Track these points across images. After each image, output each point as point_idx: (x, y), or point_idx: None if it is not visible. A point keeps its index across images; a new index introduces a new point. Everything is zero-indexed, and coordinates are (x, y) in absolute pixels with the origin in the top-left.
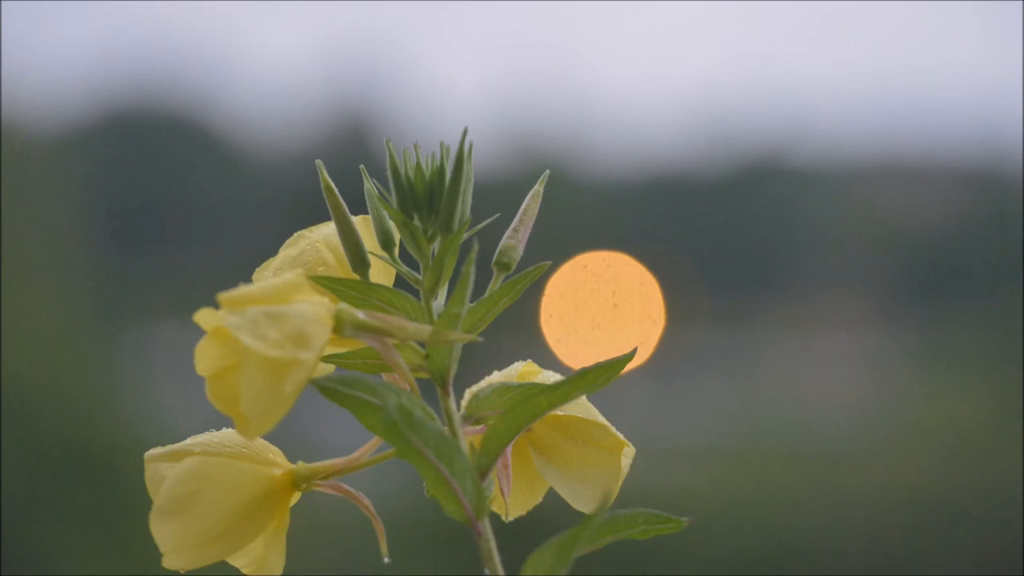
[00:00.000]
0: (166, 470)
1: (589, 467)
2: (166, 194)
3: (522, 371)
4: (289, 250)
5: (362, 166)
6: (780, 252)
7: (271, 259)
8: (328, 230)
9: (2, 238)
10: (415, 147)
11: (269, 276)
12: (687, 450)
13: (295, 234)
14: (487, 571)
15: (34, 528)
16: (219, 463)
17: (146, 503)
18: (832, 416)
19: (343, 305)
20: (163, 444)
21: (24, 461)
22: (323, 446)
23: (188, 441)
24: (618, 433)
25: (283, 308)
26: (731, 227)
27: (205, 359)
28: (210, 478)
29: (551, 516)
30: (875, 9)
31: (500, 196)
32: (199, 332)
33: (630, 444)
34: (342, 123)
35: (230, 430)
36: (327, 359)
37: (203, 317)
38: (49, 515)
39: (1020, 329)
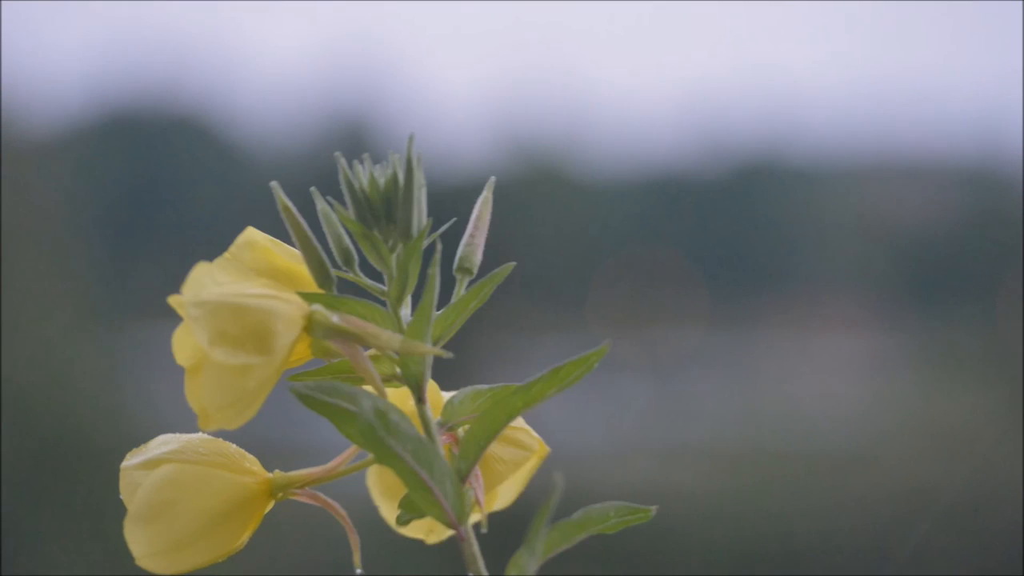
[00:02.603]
0: (141, 478)
1: (511, 469)
2: (166, 194)
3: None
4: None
5: (313, 188)
6: (779, 252)
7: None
8: (240, 239)
9: (2, 238)
10: (366, 159)
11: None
12: (687, 450)
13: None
14: (471, 575)
15: (33, 528)
16: (195, 471)
17: None
18: (832, 416)
19: (317, 306)
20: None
21: (23, 461)
22: (322, 449)
23: (161, 448)
24: (538, 436)
25: (249, 300)
26: (730, 227)
27: (182, 347)
28: (185, 486)
29: (559, 514)
30: (874, 9)
31: (499, 197)
32: None
33: (547, 447)
34: (342, 122)
35: (204, 435)
36: (293, 377)
37: (177, 301)
38: (48, 515)
39: (1020, 329)
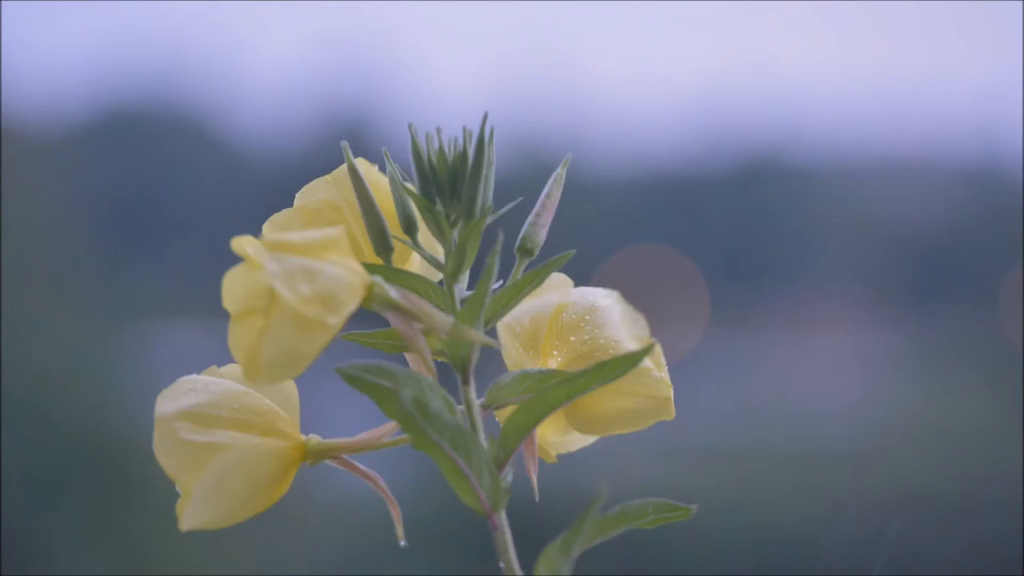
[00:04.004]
0: (186, 434)
1: (629, 419)
2: (165, 193)
3: (555, 309)
4: (307, 201)
5: (384, 148)
6: (780, 251)
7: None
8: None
9: (2, 237)
10: (438, 131)
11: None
12: (687, 450)
13: (308, 185)
14: (502, 564)
15: (34, 527)
16: (249, 456)
17: (145, 503)
18: (832, 416)
19: (377, 278)
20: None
21: (24, 460)
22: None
23: (192, 398)
24: (658, 377)
25: (319, 265)
26: (732, 226)
27: (233, 291)
28: (241, 473)
29: (564, 512)
30: (874, 9)
31: (501, 195)
32: (199, 331)
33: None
34: (340, 122)
35: (228, 383)
36: (348, 337)
37: (240, 244)
38: (49, 514)
39: (1020, 328)
